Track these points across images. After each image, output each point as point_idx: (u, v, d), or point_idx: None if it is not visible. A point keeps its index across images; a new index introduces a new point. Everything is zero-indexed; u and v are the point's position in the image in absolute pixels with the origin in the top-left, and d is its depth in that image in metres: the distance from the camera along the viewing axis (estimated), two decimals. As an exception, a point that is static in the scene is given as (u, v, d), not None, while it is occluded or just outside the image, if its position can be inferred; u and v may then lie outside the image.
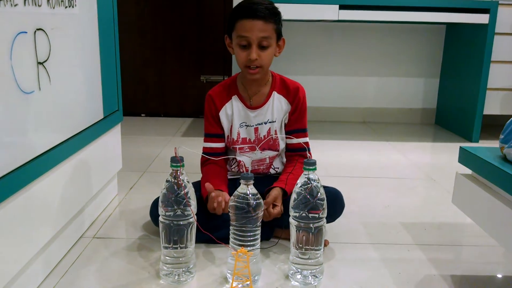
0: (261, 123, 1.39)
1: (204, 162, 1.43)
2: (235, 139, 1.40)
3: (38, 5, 1.01)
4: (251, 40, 1.26)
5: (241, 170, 1.44)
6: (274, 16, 1.27)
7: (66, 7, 1.15)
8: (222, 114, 1.40)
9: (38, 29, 1.01)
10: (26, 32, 0.97)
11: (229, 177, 1.46)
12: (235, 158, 1.43)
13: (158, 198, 1.18)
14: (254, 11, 1.24)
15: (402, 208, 1.68)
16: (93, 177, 1.42)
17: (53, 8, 1.08)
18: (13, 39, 0.92)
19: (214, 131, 1.41)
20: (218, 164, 1.39)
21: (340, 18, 2.52)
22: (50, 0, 1.07)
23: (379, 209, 1.67)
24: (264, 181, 1.35)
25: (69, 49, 1.21)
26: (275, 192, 1.26)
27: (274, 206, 1.25)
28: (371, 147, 2.59)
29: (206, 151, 1.41)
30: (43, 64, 1.04)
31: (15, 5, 0.92)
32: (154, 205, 1.34)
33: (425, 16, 2.58)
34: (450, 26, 3.03)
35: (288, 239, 1.18)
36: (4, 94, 0.90)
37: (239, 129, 1.40)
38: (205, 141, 1.43)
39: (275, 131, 1.40)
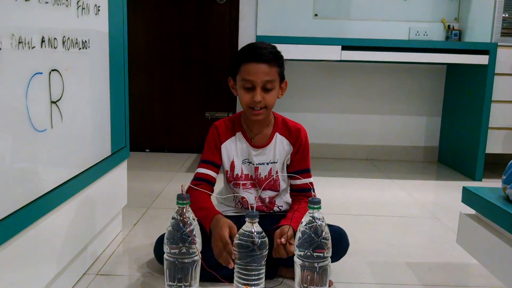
0: (263, 163, 1.41)
1: (195, 186, 1.36)
2: (239, 175, 1.42)
3: (54, 47, 1.06)
4: (255, 83, 1.29)
5: (245, 206, 1.44)
6: (277, 60, 1.31)
7: (80, 48, 1.20)
8: (224, 148, 1.42)
9: (53, 70, 1.05)
10: (42, 73, 1.01)
11: (232, 214, 1.47)
12: (235, 195, 1.44)
13: (162, 235, 1.19)
14: (259, 55, 1.28)
15: (407, 247, 1.67)
16: (98, 213, 1.43)
17: (68, 49, 1.13)
18: (30, 79, 0.96)
19: (213, 159, 1.41)
20: (207, 191, 1.36)
21: (343, 59, 2.58)
22: (66, 42, 1.11)
23: (384, 248, 1.66)
24: (269, 219, 1.35)
25: (81, 88, 1.25)
26: (286, 228, 1.25)
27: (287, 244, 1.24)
28: (374, 185, 2.59)
29: (198, 176, 1.39)
30: (56, 103, 1.08)
31: (33, 47, 0.96)
32: (159, 243, 1.34)
33: (426, 57, 2.64)
34: (450, 66, 3.10)
35: (293, 278, 1.17)
36: (18, 132, 0.93)
37: (242, 165, 1.41)
38: (200, 166, 1.41)
39: (276, 171, 1.41)
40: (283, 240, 1.22)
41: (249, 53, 1.30)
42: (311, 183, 1.38)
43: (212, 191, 1.42)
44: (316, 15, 3.08)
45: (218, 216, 1.27)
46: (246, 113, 1.37)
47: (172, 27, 3.20)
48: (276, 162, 1.41)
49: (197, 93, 3.29)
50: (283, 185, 1.44)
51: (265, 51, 1.29)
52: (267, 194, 1.43)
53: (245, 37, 3.08)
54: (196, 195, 1.34)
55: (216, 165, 1.42)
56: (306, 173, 1.42)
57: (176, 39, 3.22)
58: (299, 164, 1.42)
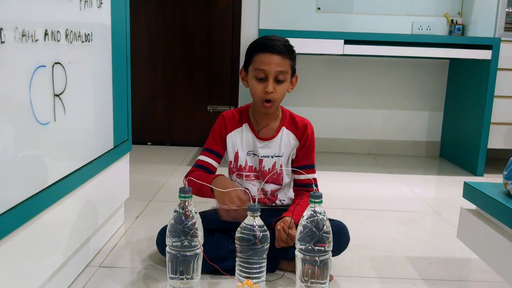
0: (267, 156, 1.41)
1: (192, 172, 1.38)
2: (243, 166, 1.42)
3: (57, 40, 1.06)
4: (268, 73, 1.31)
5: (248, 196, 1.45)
6: (290, 53, 1.34)
7: (83, 41, 1.20)
8: (229, 138, 1.42)
9: (56, 63, 1.06)
10: (45, 66, 1.01)
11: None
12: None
13: (165, 227, 1.20)
14: (273, 46, 1.30)
15: (408, 242, 1.68)
16: (101, 206, 1.43)
17: (71, 43, 1.13)
18: (33, 72, 0.96)
19: (216, 149, 1.42)
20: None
21: (345, 53, 2.58)
22: (69, 35, 1.11)
23: (385, 242, 1.67)
24: (270, 213, 1.36)
25: (84, 81, 1.25)
26: (287, 219, 1.27)
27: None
28: (376, 179, 2.59)
29: (199, 163, 1.40)
30: (59, 96, 1.08)
31: (36, 41, 0.97)
32: (161, 234, 1.35)
33: (428, 52, 2.63)
34: (453, 61, 3.09)
35: (294, 271, 1.18)
36: (22, 125, 0.93)
37: (247, 157, 1.42)
38: (202, 154, 1.42)
39: (281, 165, 1.42)
40: (284, 223, 1.24)
41: (263, 44, 1.32)
42: (314, 178, 1.38)
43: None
44: (319, 8, 3.07)
45: (223, 176, 1.32)
46: (256, 104, 1.38)
47: (175, 20, 3.19)
48: (281, 156, 1.42)
49: (199, 87, 3.28)
50: (286, 179, 1.44)
51: (278, 43, 1.31)
52: (270, 187, 1.44)
53: (248, 31, 3.07)
54: (196, 175, 1.33)
55: (218, 155, 1.42)
56: (311, 168, 1.43)
57: (178, 32, 3.21)
58: (303, 159, 1.43)
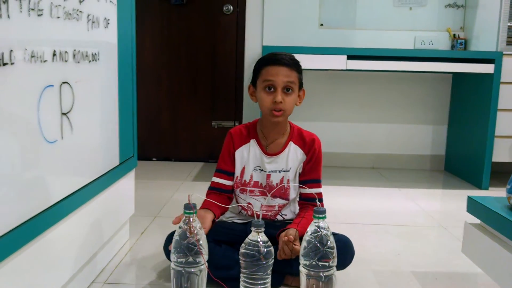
0: (275, 171, 1.43)
1: (208, 194, 1.46)
2: (247, 181, 1.44)
3: (65, 60, 1.08)
4: (276, 84, 1.34)
5: (248, 213, 1.46)
6: (297, 66, 1.38)
7: (90, 61, 1.23)
8: (237, 154, 1.45)
9: (63, 83, 1.08)
10: (53, 86, 1.03)
11: (238, 221, 1.49)
12: (240, 204, 1.46)
13: (172, 232, 1.21)
14: (280, 59, 1.36)
15: (413, 256, 1.67)
16: (106, 223, 1.45)
17: (78, 62, 1.16)
18: (41, 92, 0.98)
19: (226, 168, 1.46)
20: (222, 196, 1.43)
21: (348, 68, 2.60)
22: (76, 55, 1.14)
23: (390, 257, 1.66)
24: (272, 224, 1.37)
25: (91, 99, 1.27)
26: (292, 231, 1.28)
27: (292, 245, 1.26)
28: (381, 194, 2.59)
29: (213, 185, 1.47)
30: (67, 114, 1.10)
31: (45, 61, 0.99)
32: (169, 240, 1.35)
33: (431, 66, 2.65)
34: (456, 75, 3.10)
35: (298, 287, 1.18)
36: (30, 143, 0.95)
37: (253, 172, 1.44)
38: (214, 175, 1.47)
39: (288, 180, 1.43)
40: (290, 237, 1.24)
41: (270, 58, 1.38)
42: (319, 193, 1.39)
43: (229, 197, 1.48)
44: (321, 24, 3.11)
45: (202, 210, 1.35)
46: (265, 116, 1.40)
47: (179, 37, 3.24)
48: (289, 171, 1.43)
49: (204, 103, 3.31)
50: (292, 194, 1.45)
51: (285, 57, 1.37)
52: (277, 202, 1.45)
53: (252, 47, 3.11)
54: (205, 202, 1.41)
55: (229, 173, 1.46)
56: (317, 183, 1.44)
57: (183, 49, 3.25)
58: (310, 173, 1.44)
